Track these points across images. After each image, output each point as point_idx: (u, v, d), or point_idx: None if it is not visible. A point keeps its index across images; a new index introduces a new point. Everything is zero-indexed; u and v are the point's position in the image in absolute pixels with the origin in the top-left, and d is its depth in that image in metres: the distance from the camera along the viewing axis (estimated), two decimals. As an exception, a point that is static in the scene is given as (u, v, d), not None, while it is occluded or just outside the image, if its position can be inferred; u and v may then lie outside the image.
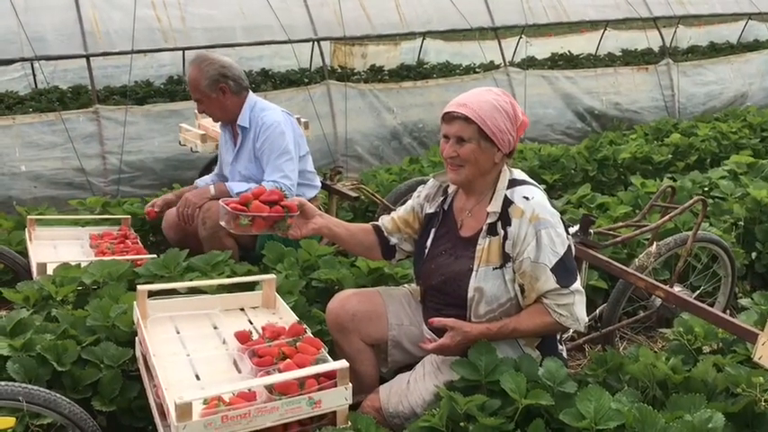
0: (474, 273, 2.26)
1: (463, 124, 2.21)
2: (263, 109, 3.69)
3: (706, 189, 4.48)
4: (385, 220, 2.58)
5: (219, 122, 3.85)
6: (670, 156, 5.80)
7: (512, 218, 2.22)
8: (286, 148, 3.60)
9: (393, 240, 2.56)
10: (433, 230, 2.43)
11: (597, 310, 3.14)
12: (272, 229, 2.38)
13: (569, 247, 2.25)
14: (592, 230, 2.95)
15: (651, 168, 5.67)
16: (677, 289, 3.00)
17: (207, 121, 4.90)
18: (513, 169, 2.38)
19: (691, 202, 3.16)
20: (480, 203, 2.33)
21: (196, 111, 4.92)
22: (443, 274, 2.36)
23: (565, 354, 2.47)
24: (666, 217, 3.18)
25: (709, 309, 2.49)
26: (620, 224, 3.35)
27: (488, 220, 2.26)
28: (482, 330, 2.22)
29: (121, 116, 5.67)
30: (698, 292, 3.35)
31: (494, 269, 2.25)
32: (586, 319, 2.28)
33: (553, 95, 7.76)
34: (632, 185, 4.70)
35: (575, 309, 2.22)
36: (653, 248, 3.09)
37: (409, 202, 2.56)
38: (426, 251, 2.43)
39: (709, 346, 2.56)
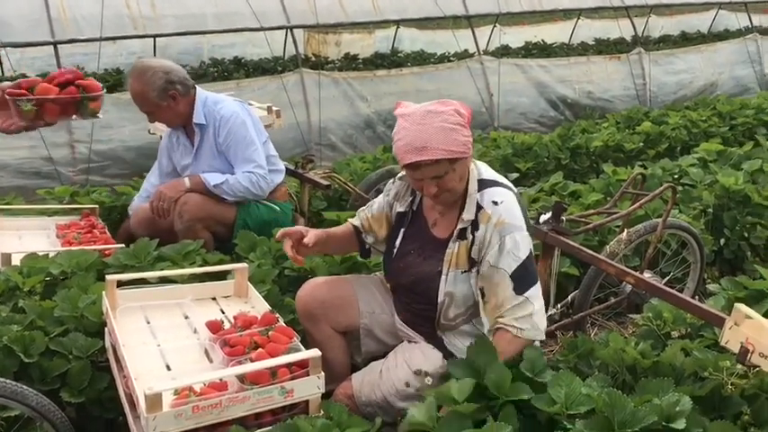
0: (444, 276, 2.26)
1: (433, 166, 2.12)
2: (217, 102, 3.60)
3: (676, 176, 4.53)
4: (361, 217, 2.56)
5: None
6: (641, 144, 5.86)
7: (480, 223, 2.21)
8: (251, 138, 3.56)
9: (369, 240, 2.55)
10: (402, 230, 2.42)
11: (569, 297, 3.17)
12: (68, 116, 2.01)
13: (531, 254, 2.22)
14: (564, 217, 2.97)
15: (623, 156, 5.73)
16: (647, 275, 3.03)
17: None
18: (478, 164, 2.33)
19: (660, 189, 3.19)
20: (452, 206, 2.30)
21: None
22: (412, 274, 2.36)
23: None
24: (637, 204, 3.21)
25: (678, 294, 2.53)
26: (592, 211, 3.38)
27: (460, 226, 2.25)
28: None
29: (90, 104, 5.56)
30: (667, 278, 3.39)
31: (462, 272, 2.25)
32: (545, 327, 2.25)
33: (526, 84, 7.79)
34: (604, 173, 4.73)
35: (534, 319, 2.18)
36: (623, 235, 3.12)
37: (380, 200, 2.52)
38: (395, 250, 2.42)
39: (677, 331, 2.59)
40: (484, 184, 2.27)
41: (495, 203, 2.20)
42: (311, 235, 2.38)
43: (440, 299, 2.28)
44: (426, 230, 2.37)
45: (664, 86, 8.57)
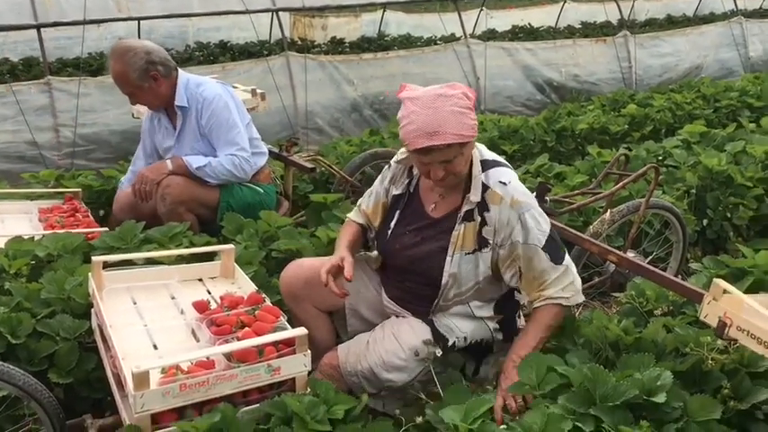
0: (449, 258, 2.26)
1: (445, 150, 2.09)
2: (199, 84, 3.56)
3: (660, 158, 4.56)
4: (362, 212, 2.53)
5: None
6: (626, 126, 5.89)
7: (489, 204, 2.21)
8: (234, 121, 3.53)
9: (370, 236, 2.55)
10: (398, 212, 2.41)
11: (553, 277, 3.19)
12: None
13: (551, 226, 2.28)
14: (548, 198, 2.99)
15: (608, 138, 5.76)
16: (630, 254, 3.07)
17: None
18: (478, 145, 2.30)
19: (643, 169, 3.23)
20: (455, 188, 2.29)
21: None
22: (410, 255, 2.36)
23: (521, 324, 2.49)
24: (620, 184, 3.24)
25: (660, 272, 2.56)
26: (576, 192, 3.41)
27: (466, 207, 2.24)
28: (521, 355, 2.18)
29: (74, 88, 5.52)
30: (650, 257, 3.43)
31: (466, 254, 2.26)
32: (581, 288, 2.34)
33: (513, 67, 7.79)
34: (589, 155, 4.76)
35: (575, 283, 2.27)
36: (606, 215, 3.15)
37: (376, 188, 2.49)
38: (390, 231, 2.42)
39: (660, 308, 2.62)
40: (487, 164, 2.26)
41: (504, 184, 2.21)
42: (348, 266, 2.29)
43: (444, 280, 2.28)
44: (424, 212, 2.36)
45: (649, 69, 8.60)
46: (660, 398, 1.92)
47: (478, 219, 2.23)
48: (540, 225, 2.22)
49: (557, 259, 2.23)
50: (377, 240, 2.50)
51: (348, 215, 2.61)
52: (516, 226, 2.20)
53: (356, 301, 2.50)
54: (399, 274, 2.43)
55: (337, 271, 2.29)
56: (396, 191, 2.43)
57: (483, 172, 2.24)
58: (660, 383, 1.97)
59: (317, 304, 2.49)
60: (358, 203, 2.58)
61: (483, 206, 2.22)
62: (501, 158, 2.35)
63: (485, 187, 2.22)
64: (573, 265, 2.30)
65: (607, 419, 1.87)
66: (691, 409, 1.94)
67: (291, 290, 2.49)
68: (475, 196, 2.22)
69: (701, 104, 6.53)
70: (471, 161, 2.24)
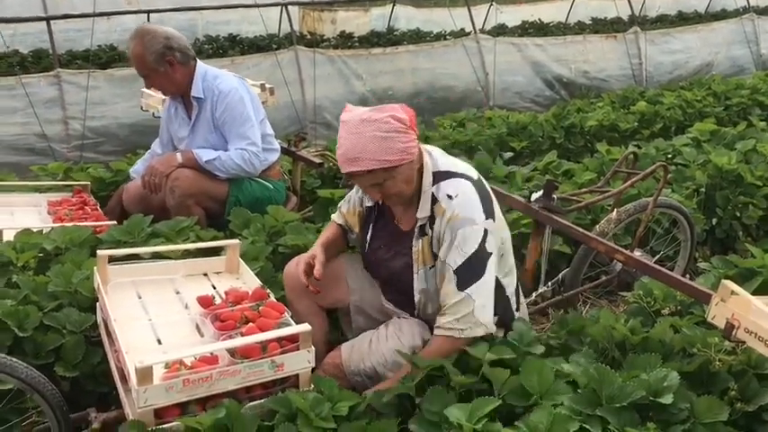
0: (416, 275, 2.26)
1: (368, 175, 2.10)
2: (216, 77, 3.58)
3: (669, 156, 4.53)
4: (342, 213, 2.53)
5: (169, 96, 3.72)
6: (636, 123, 5.85)
7: (436, 216, 2.18)
8: (247, 115, 3.54)
9: (351, 237, 2.56)
10: (371, 225, 2.41)
11: (560, 275, 3.18)
12: None
13: (482, 248, 2.14)
14: (555, 196, 2.97)
15: (617, 136, 5.72)
16: (637, 253, 3.04)
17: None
18: (432, 153, 2.25)
19: (652, 168, 3.19)
20: (410, 205, 2.27)
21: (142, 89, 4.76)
22: (385, 270, 2.38)
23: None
24: (629, 182, 3.21)
25: (667, 272, 2.54)
26: (584, 190, 3.38)
27: (419, 222, 2.22)
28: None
29: (84, 80, 5.53)
30: (658, 256, 3.40)
31: (430, 268, 2.24)
32: (492, 320, 2.18)
33: (522, 63, 7.75)
34: (598, 153, 4.73)
35: (476, 315, 2.12)
36: (614, 214, 3.12)
37: (352, 195, 2.49)
38: (366, 245, 2.42)
39: (667, 308, 2.60)
40: (439, 176, 2.21)
41: (450, 197, 2.15)
42: (318, 265, 2.31)
43: (416, 297, 2.28)
44: (392, 224, 2.36)
45: (660, 66, 8.54)
46: (667, 399, 1.90)
47: (429, 232, 2.20)
48: (466, 244, 2.11)
49: (462, 285, 2.12)
50: (360, 249, 2.50)
51: (332, 216, 2.60)
52: (446, 242, 2.15)
53: (361, 298, 2.50)
54: (383, 285, 2.45)
55: (310, 268, 2.32)
56: (367, 202, 2.42)
57: (435, 184, 2.19)
58: (667, 384, 1.95)
59: (319, 300, 2.48)
60: (339, 205, 2.57)
61: (432, 219, 2.19)
62: (460, 166, 2.26)
63: (434, 200, 2.18)
64: (484, 295, 2.14)
65: (613, 420, 1.85)
66: (698, 411, 1.92)
67: (293, 283, 2.48)
68: (423, 212, 2.20)
69: (712, 102, 6.48)
70: (422, 174, 2.20)
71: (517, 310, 2.44)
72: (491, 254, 2.15)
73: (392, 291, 2.43)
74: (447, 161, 2.26)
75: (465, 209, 2.14)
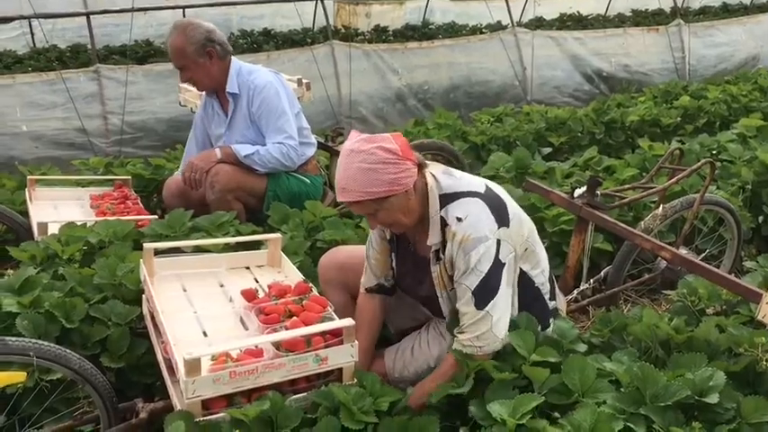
0: (440, 298, 2.28)
1: (358, 206, 2.13)
2: (251, 72, 3.65)
3: (714, 152, 4.47)
4: (372, 268, 2.44)
5: (204, 92, 3.78)
6: (679, 119, 5.78)
7: (447, 241, 2.17)
8: (283, 109, 3.60)
9: (390, 282, 2.46)
10: (393, 254, 2.41)
11: (602, 272, 3.18)
12: None
13: (496, 262, 2.12)
14: (599, 192, 2.97)
15: (659, 131, 5.66)
16: (683, 251, 3.03)
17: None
18: (437, 176, 2.22)
19: (699, 164, 3.18)
20: (422, 231, 2.25)
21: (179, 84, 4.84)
22: (414, 295, 2.42)
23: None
24: (674, 179, 3.20)
25: (715, 270, 2.52)
26: (627, 186, 3.37)
27: (433, 248, 2.22)
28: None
29: (122, 76, 5.66)
30: (703, 254, 3.38)
31: (451, 290, 2.24)
32: (506, 332, 2.16)
33: (561, 57, 7.70)
34: (640, 149, 4.70)
35: (494, 331, 2.12)
36: (659, 211, 3.11)
37: (373, 235, 2.42)
38: (394, 272, 2.44)
39: (712, 307, 2.60)
40: (445, 199, 2.19)
41: (459, 220, 2.13)
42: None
43: (447, 318, 2.30)
44: (411, 251, 2.37)
45: (703, 59, 8.41)
46: (713, 398, 1.91)
47: (443, 257, 2.20)
48: (481, 264, 2.10)
49: (480, 304, 2.11)
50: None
51: (361, 286, 2.48)
52: (460, 266, 2.13)
53: (398, 293, 2.51)
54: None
55: None
56: (387, 234, 2.40)
57: (443, 208, 2.18)
58: (713, 384, 1.96)
59: (352, 291, 2.52)
60: (365, 267, 2.47)
61: (444, 243, 2.19)
62: (469, 183, 2.23)
63: (444, 223, 2.17)
64: (501, 307, 2.13)
65: (658, 420, 1.86)
66: (744, 411, 1.92)
67: (326, 274, 2.53)
68: (434, 238, 2.19)
69: (758, 97, 6.37)
70: (428, 200, 2.19)
71: (552, 299, 2.41)
72: (505, 264, 2.14)
73: (428, 309, 2.47)
74: (452, 181, 2.22)
75: (476, 228, 2.11)
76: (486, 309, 2.11)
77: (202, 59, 3.50)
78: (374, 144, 2.07)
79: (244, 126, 3.65)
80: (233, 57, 3.66)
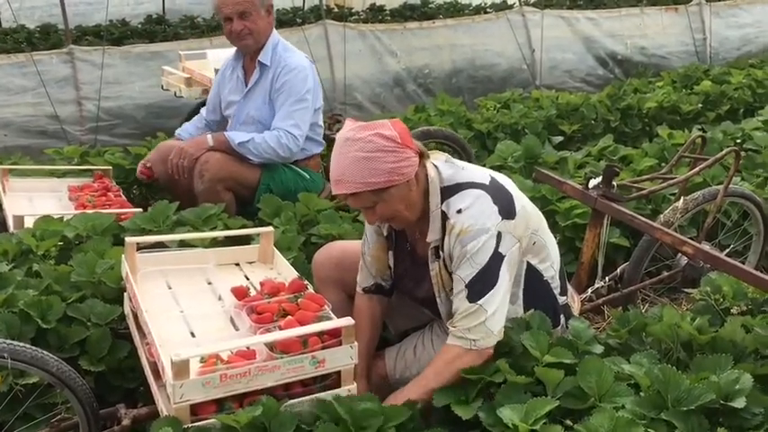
0: (438, 299, 2.28)
1: (355, 198, 2.12)
2: (287, 50, 3.73)
3: (739, 141, 4.49)
4: (368, 267, 2.45)
5: (233, 53, 3.87)
6: (700, 105, 5.81)
7: (446, 234, 2.18)
8: (304, 96, 3.64)
9: (388, 283, 2.47)
10: (391, 252, 2.41)
11: (618, 270, 3.19)
12: None
13: (495, 255, 2.12)
14: (615, 183, 2.99)
15: (679, 119, 5.69)
16: (706, 246, 3.05)
17: (193, 64, 4.89)
18: (440, 168, 2.23)
19: (723, 153, 3.18)
20: (422, 227, 2.26)
21: (181, 53, 4.86)
22: (413, 298, 2.43)
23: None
24: (695, 169, 3.21)
25: (742, 266, 2.54)
26: (646, 177, 3.38)
27: (432, 245, 2.22)
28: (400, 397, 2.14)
29: (98, 58, 5.64)
30: (727, 250, 3.39)
31: (450, 290, 2.24)
32: (502, 328, 2.17)
33: (573, 39, 7.71)
34: (658, 137, 4.71)
35: (487, 324, 2.12)
36: (680, 203, 3.12)
37: (368, 231, 2.43)
38: (392, 273, 2.44)
39: (737, 306, 2.60)
40: (447, 192, 2.19)
41: (460, 212, 2.14)
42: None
43: (444, 318, 2.30)
44: (408, 250, 2.37)
45: (726, 42, 8.43)
46: (739, 402, 1.91)
47: (441, 254, 2.21)
48: (478, 256, 2.11)
49: (473, 297, 2.12)
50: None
51: (357, 285, 2.48)
52: (456, 257, 2.14)
53: (397, 293, 2.51)
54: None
55: None
56: (384, 231, 2.40)
57: (444, 201, 2.18)
58: (739, 387, 1.96)
59: (349, 289, 2.52)
60: (360, 266, 2.48)
61: (444, 239, 2.19)
62: (473, 174, 2.24)
63: (445, 217, 2.18)
64: (496, 302, 2.13)
65: (680, 425, 1.87)
66: (773, 416, 1.93)
67: (321, 272, 2.54)
68: (433, 234, 2.19)
69: (786, 81, 6.41)
70: (428, 193, 2.20)
71: (562, 294, 2.43)
72: (505, 257, 2.14)
73: (429, 311, 2.46)
74: (455, 172, 2.23)
75: (476, 220, 2.12)
76: (480, 303, 2.12)
77: (263, 11, 3.60)
78: (371, 131, 2.06)
79: (261, 100, 3.70)
80: (275, 31, 3.75)
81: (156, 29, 7.90)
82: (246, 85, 3.75)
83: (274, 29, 3.75)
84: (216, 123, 4.01)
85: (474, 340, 2.13)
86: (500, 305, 2.15)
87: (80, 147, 4.53)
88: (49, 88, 5.41)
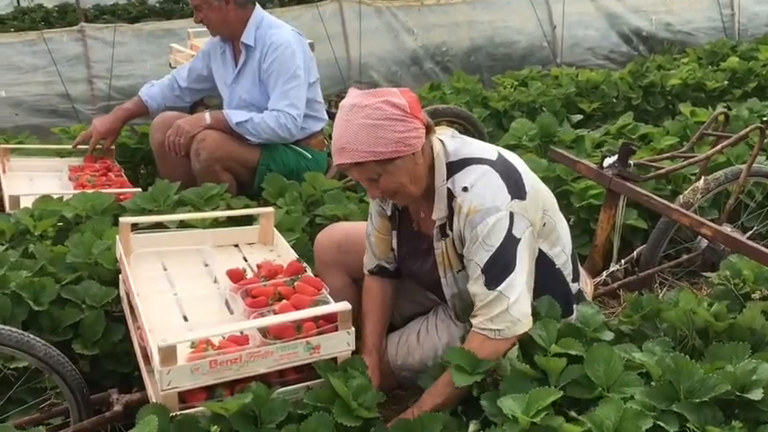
0: (444, 280, 2.21)
1: (359, 169, 2.04)
2: (271, 26, 3.63)
3: (765, 118, 4.36)
4: (373, 249, 2.39)
5: (218, 37, 3.77)
6: (726, 82, 5.68)
7: (454, 214, 2.10)
8: (295, 73, 3.55)
9: (392, 265, 2.41)
10: (395, 232, 2.35)
11: (635, 252, 3.09)
12: None
13: (509, 236, 2.04)
14: (632, 162, 2.90)
15: (704, 96, 5.58)
16: (728, 229, 2.94)
17: (201, 42, 4.81)
18: (446, 143, 2.16)
19: (747, 130, 3.08)
20: (427, 205, 2.20)
21: (189, 30, 4.83)
22: (417, 280, 2.37)
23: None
24: (717, 147, 3.11)
25: (763, 249, 2.45)
26: (665, 155, 3.29)
27: (438, 222, 2.15)
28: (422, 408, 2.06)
29: (109, 36, 5.60)
30: (750, 233, 3.29)
31: (458, 272, 2.17)
32: (529, 312, 2.09)
33: (595, 14, 7.57)
34: (681, 115, 4.59)
35: (511, 312, 2.03)
36: (700, 183, 3.03)
37: (372, 210, 2.39)
38: (395, 254, 2.37)
39: (759, 291, 2.50)
40: (453, 168, 2.12)
41: (466, 189, 2.07)
42: (374, 378, 2.14)
43: (450, 303, 2.25)
44: (413, 229, 2.31)
45: (755, 17, 8.24)
46: (756, 394, 1.83)
47: (450, 233, 2.13)
48: (491, 238, 2.02)
49: (491, 283, 2.03)
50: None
51: (365, 268, 2.43)
52: (468, 240, 2.07)
53: (405, 272, 2.44)
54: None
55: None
56: (387, 211, 2.33)
57: (449, 178, 2.11)
58: (756, 378, 1.88)
59: (351, 271, 2.47)
60: (367, 246, 2.42)
61: (451, 218, 2.11)
62: (479, 149, 2.17)
63: (451, 195, 2.10)
64: (518, 287, 2.05)
65: (693, 417, 1.79)
66: (792, 409, 1.84)
67: (323, 255, 2.48)
68: (438, 212, 2.12)
69: (817, 57, 6.22)
70: (434, 169, 2.12)
71: (575, 281, 2.35)
72: (520, 239, 2.06)
73: (434, 295, 2.40)
74: (460, 147, 2.15)
75: (485, 198, 2.04)
76: (499, 289, 2.03)
77: (217, 2, 3.51)
78: (380, 98, 1.99)
79: (251, 82, 3.63)
80: (258, 7, 3.66)
81: (174, 7, 7.89)
82: (236, 67, 3.69)
83: (257, 7, 3.65)
84: (190, 93, 3.93)
85: (498, 330, 2.04)
86: (522, 292, 2.06)
87: (87, 126, 4.48)
88: (60, 67, 5.40)
